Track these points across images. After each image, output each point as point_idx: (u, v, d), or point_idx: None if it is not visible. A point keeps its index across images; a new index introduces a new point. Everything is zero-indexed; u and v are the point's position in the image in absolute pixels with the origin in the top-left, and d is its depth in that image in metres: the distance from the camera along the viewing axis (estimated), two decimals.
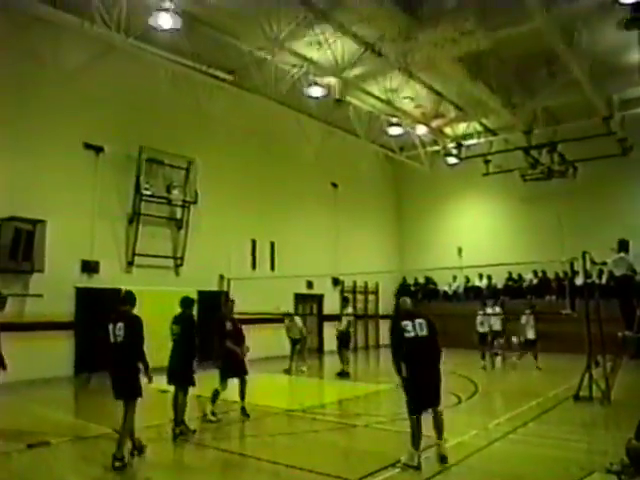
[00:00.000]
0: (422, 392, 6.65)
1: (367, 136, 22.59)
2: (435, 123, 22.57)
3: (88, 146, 15.69)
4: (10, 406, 10.64)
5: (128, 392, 6.90)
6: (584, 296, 11.55)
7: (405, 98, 20.55)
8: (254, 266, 20.13)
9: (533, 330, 16.33)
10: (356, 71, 17.40)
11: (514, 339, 18.77)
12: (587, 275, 11.54)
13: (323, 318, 22.34)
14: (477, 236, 25.35)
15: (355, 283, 24.45)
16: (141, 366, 7.02)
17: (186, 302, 8.77)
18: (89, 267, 15.39)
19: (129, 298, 7.38)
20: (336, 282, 23.54)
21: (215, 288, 18.17)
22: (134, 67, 16.35)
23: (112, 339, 6.97)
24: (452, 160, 24.14)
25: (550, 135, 21.56)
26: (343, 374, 15.19)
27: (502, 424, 8.92)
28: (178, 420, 8.24)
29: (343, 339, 15.69)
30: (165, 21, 13.70)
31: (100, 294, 14.77)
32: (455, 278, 25.73)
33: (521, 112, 20.68)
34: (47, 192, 14.59)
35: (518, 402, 10.77)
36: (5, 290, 13.45)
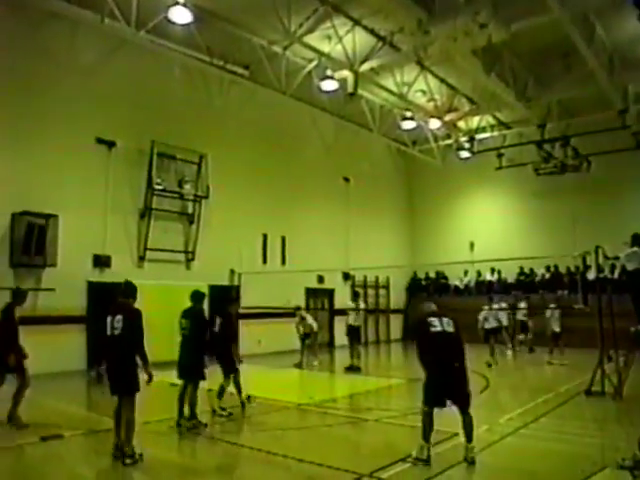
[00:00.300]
0: (441, 386, 6.53)
1: (379, 130, 22.58)
2: (448, 117, 22.46)
3: (100, 141, 15.74)
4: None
5: (125, 387, 6.68)
6: (596, 290, 11.48)
7: (418, 92, 20.48)
8: (265, 261, 20.16)
9: (558, 323, 16.37)
10: (370, 64, 17.33)
11: (525, 335, 18.81)
12: (599, 269, 11.46)
13: (334, 313, 22.33)
14: (489, 231, 25.25)
15: (366, 278, 24.41)
16: (140, 361, 6.80)
17: (196, 296, 8.75)
18: (101, 261, 15.46)
19: (129, 290, 7.11)
20: (347, 277, 23.53)
21: (226, 283, 18.22)
22: (147, 62, 16.43)
23: (109, 332, 6.73)
24: (465, 154, 24.03)
25: (563, 129, 21.41)
26: (353, 368, 15.18)
27: (513, 419, 8.88)
28: (191, 414, 8.29)
29: (354, 333, 15.67)
30: (179, 15, 13.76)
31: (112, 288, 14.80)
32: (466, 273, 25.66)
33: (535, 105, 20.57)
34: (60, 187, 14.68)
35: (530, 397, 10.74)
36: (19, 284, 13.62)
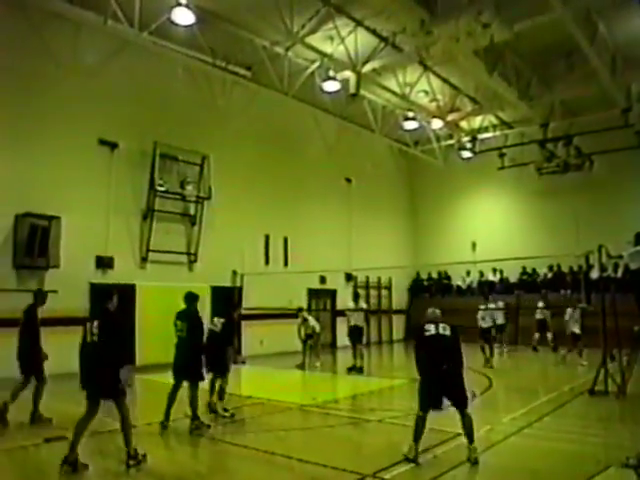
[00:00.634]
0: (432, 388, 6.60)
1: (381, 131, 22.58)
2: (451, 117, 22.44)
3: (103, 142, 15.76)
4: (27, 400, 10.73)
5: (111, 392, 6.46)
6: (600, 290, 11.46)
7: (420, 92, 20.47)
8: (267, 261, 20.16)
9: (578, 325, 15.96)
10: (372, 65, 17.33)
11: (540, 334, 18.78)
12: (603, 269, 11.44)
13: (336, 313, 22.32)
14: (491, 230, 25.22)
15: (368, 278, 24.37)
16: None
17: (190, 297, 8.71)
18: (103, 263, 15.47)
19: (105, 294, 6.92)
20: (349, 277, 23.51)
21: (228, 284, 18.23)
22: (149, 63, 16.46)
23: (88, 338, 6.53)
24: (467, 154, 24.02)
25: (566, 128, 21.39)
26: (354, 369, 15.13)
27: (517, 419, 8.88)
28: (193, 415, 8.27)
29: (356, 334, 15.62)
30: (181, 17, 13.78)
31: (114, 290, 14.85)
32: (469, 273, 25.64)
33: (538, 105, 20.56)
34: (62, 188, 14.69)
35: (533, 396, 10.73)
36: (22, 286, 13.66)
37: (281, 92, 17.90)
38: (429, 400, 6.57)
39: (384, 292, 25.99)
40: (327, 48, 16.80)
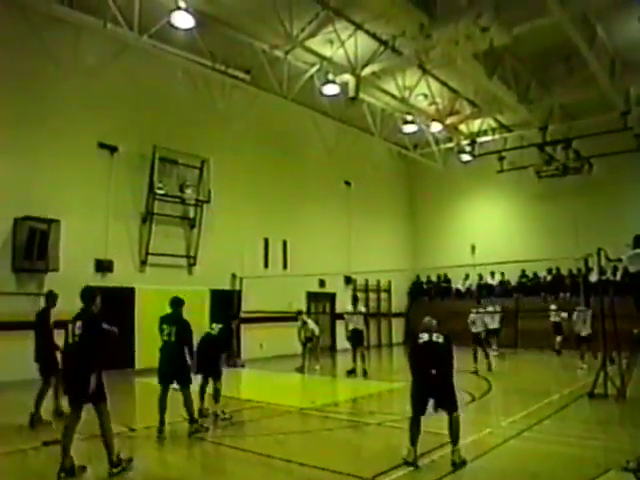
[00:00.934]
0: (420, 391, 6.72)
1: (381, 134, 22.59)
2: (450, 120, 22.47)
3: (102, 146, 15.77)
4: (26, 404, 10.72)
5: (94, 395, 6.29)
6: (599, 293, 11.45)
7: (419, 95, 20.50)
8: (266, 265, 20.15)
9: (586, 326, 15.56)
10: (371, 68, 17.36)
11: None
12: (602, 272, 11.44)
13: (335, 316, 22.31)
14: (490, 234, 25.20)
15: (367, 281, 24.37)
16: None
17: (176, 302, 8.70)
18: (103, 266, 15.47)
19: (86, 295, 6.77)
20: (348, 280, 23.51)
21: (228, 287, 18.24)
22: (149, 67, 16.48)
23: (70, 339, 6.44)
24: (466, 157, 24.02)
25: (565, 131, 21.41)
26: (353, 372, 15.10)
27: (517, 422, 8.86)
28: (191, 418, 8.30)
29: (357, 337, 15.60)
30: (181, 20, 13.79)
31: (114, 293, 14.83)
32: (467, 276, 25.63)
33: (537, 108, 20.59)
34: (61, 191, 14.69)
35: (533, 400, 10.70)
36: (21, 289, 13.66)
37: (280, 95, 17.93)
38: (417, 404, 6.69)
39: (383, 295, 25.98)
40: (326, 51, 16.82)
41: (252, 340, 18.59)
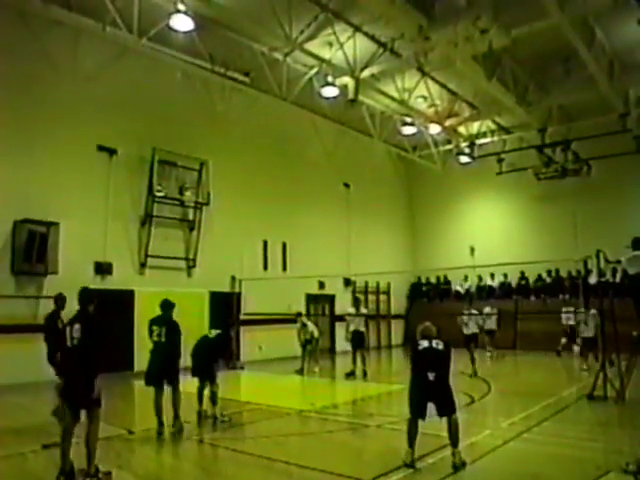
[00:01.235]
0: (418, 394, 6.73)
1: (380, 136, 22.60)
2: (449, 122, 22.49)
3: (102, 148, 15.78)
4: (25, 407, 10.74)
5: (89, 400, 6.19)
6: (598, 295, 11.45)
7: (419, 97, 20.52)
8: (266, 267, 20.15)
9: (588, 328, 15.20)
10: (370, 71, 17.37)
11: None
12: (601, 274, 11.44)
13: (335, 318, 22.31)
14: (490, 235, 25.22)
15: (367, 283, 24.37)
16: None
17: (167, 305, 8.82)
18: (102, 269, 15.46)
19: (85, 296, 6.71)
20: (348, 282, 23.52)
21: (227, 289, 18.23)
22: (148, 70, 16.50)
23: (69, 343, 6.32)
24: (465, 159, 24.05)
25: (564, 133, 21.43)
26: (352, 374, 15.11)
27: (516, 423, 8.86)
28: (176, 415, 8.40)
29: (358, 339, 15.59)
30: (180, 23, 13.80)
31: (113, 296, 14.84)
32: (466, 278, 25.63)
33: (536, 110, 20.61)
34: (61, 194, 14.69)
35: (532, 401, 10.70)
36: (20, 292, 13.66)
37: (280, 98, 17.93)
38: (415, 406, 6.70)
39: (383, 297, 25.98)
40: (325, 54, 16.84)
41: (251, 342, 18.60)
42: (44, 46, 14.62)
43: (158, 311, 8.83)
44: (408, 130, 21.75)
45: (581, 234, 20.75)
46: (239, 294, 18.21)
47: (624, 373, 10.78)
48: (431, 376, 6.60)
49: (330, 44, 16.43)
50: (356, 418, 10.20)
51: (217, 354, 9.59)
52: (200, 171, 17.71)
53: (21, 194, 13.91)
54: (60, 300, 9.61)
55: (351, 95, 17.65)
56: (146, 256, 16.46)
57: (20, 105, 14.20)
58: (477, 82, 18.43)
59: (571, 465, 6.67)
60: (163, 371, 8.43)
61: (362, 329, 15.59)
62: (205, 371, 9.26)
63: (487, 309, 20.17)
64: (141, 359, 14.86)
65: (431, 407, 6.58)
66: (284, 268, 20.75)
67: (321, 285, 22.06)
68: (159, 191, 16.53)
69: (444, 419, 6.62)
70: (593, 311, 15.23)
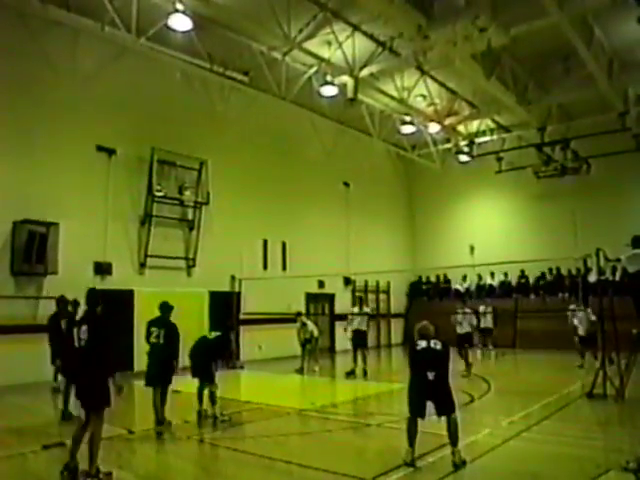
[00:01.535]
0: (417, 394, 6.74)
1: (379, 135, 22.59)
2: (448, 121, 22.48)
3: (101, 148, 15.75)
4: (26, 407, 10.75)
5: (93, 402, 6.24)
6: (597, 293, 11.45)
7: (418, 96, 20.50)
8: (265, 266, 20.14)
9: (583, 327, 15.28)
10: (369, 70, 17.36)
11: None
12: (600, 272, 11.44)
13: (335, 318, 22.31)
14: (489, 234, 25.22)
15: (367, 282, 24.36)
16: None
17: (166, 307, 8.92)
18: (102, 269, 15.44)
19: (92, 298, 6.79)
20: (347, 281, 23.52)
21: (227, 289, 18.22)
22: (147, 70, 16.49)
23: (76, 343, 6.37)
24: (464, 158, 24.02)
25: (563, 131, 21.43)
26: (353, 373, 15.13)
27: (516, 422, 8.87)
28: (160, 418, 8.51)
29: (360, 338, 15.60)
30: (179, 23, 13.79)
31: (113, 296, 14.81)
32: (465, 277, 25.63)
33: (535, 109, 20.60)
34: (60, 195, 14.67)
35: (532, 400, 10.71)
36: (20, 293, 13.66)
37: (279, 97, 17.92)
38: (414, 405, 6.71)
39: (382, 296, 25.97)
40: (324, 53, 16.82)
41: (251, 342, 18.59)
42: (43, 46, 14.60)
43: (158, 312, 8.87)
44: (407, 129, 21.75)
45: (581, 232, 20.79)
46: (239, 294, 18.20)
47: (624, 371, 10.79)
48: (431, 375, 6.62)
49: (329, 43, 16.41)
50: (356, 417, 10.22)
51: (215, 355, 9.62)
52: (199, 171, 17.69)
53: (20, 194, 13.89)
54: (62, 302, 9.68)
55: (350, 94, 17.64)
56: (146, 256, 16.45)
57: (19, 105, 14.17)
58: (476, 81, 18.42)
59: (571, 464, 6.68)
60: (161, 373, 8.53)
61: (364, 328, 15.61)
62: (203, 372, 9.28)
63: (482, 308, 20.18)
64: (141, 359, 14.90)
65: (430, 406, 6.59)
66: (284, 267, 20.74)
67: (321, 284, 22.05)
68: (158, 191, 16.51)
69: (444, 418, 6.63)
70: (586, 310, 15.34)
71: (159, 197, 16.62)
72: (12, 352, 12.52)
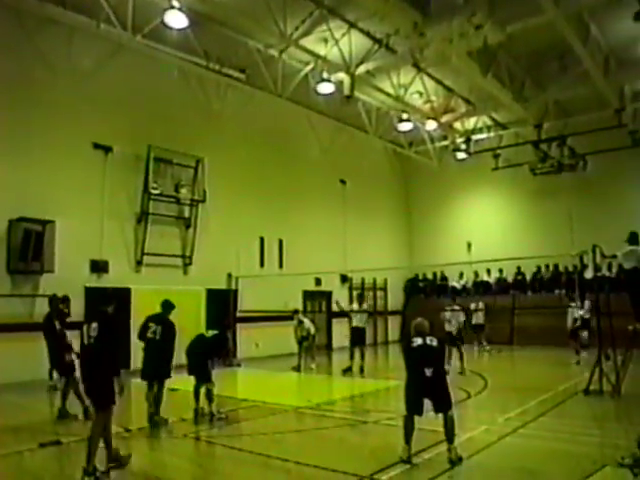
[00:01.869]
0: (414, 392, 6.76)
1: (376, 132, 22.57)
2: (445, 118, 22.45)
3: (97, 146, 15.72)
4: (22, 405, 10.74)
5: (99, 400, 6.38)
6: (594, 289, 11.47)
7: (414, 93, 20.49)
8: (262, 264, 20.13)
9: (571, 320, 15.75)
10: (366, 67, 17.32)
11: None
12: (597, 268, 11.47)
13: (332, 315, 22.31)
14: (486, 231, 25.24)
15: (364, 280, 24.37)
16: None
17: (167, 305, 9.06)
18: (98, 267, 15.43)
19: (107, 297, 7.06)
20: (344, 279, 23.52)
21: (224, 286, 18.21)
22: (143, 67, 16.44)
23: (85, 341, 6.46)
24: (461, 155, 24.03)
25: (560, 128, 21.44)
26: (349, 370, 15.14)
27: (512, 419, 8.89)
28: (156, 412, 8.64)
29: (359, 335, 15.60)
30: (175, 20, 13.74)
31: (109, 294, 14.80)
32: (462, 275, 25.65)
33: (532, 106, 20.58)
34: (56, 192, 14.64)
35: (528, 397, 10.73)
36: (16, 291, 13.63)
37: (275, 94, 17.87)
38: (412, 403, 6.73)
39: (380, 293, 25.97)
40: (321, 50, 16.78)
41: (248, 339, 18.58)
42: (38, 44, 14.56)
43: (155, 309, 8.91)
44: (404, 126, 21.71)
45: (577, 229, 20.81)
46: (236, 291, 18.20)
47: (620, 367, 10.84)
48: (428, 372, 6.63)
49: (325, 40, 16.38)
50: (353, 414, 10.23)
51: (212, 354, 9.64)
52: (196, 168, 17.68)
53: (16, 192, 13.85)
54: (54, 301, 9.64)
55: (347, 91, 17.59)
56: (142, 254, 16.42)
57: (15, 103, 14.12)
58: (473, 78, 18.40)
59: (567, 460, 6.70)
60: (156, 368, 8.66)
61: (362, 325, 15.63)
62: (200, 370, 9.29)
63: (473, 305, 20.19)
64: (138, 357, 14.91)
65: (427, 403, 6.61)
66: (280, 265, 20.73)
67: (318, 282, 22.05)
68: (155, 189, 16.49)
69: (440, 415, 6.65)
70: (572, 304, 15.55)
71: (155, 195, 16.60)
72: (8, 350, 12.49)
